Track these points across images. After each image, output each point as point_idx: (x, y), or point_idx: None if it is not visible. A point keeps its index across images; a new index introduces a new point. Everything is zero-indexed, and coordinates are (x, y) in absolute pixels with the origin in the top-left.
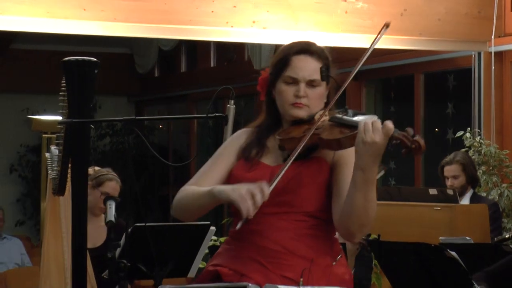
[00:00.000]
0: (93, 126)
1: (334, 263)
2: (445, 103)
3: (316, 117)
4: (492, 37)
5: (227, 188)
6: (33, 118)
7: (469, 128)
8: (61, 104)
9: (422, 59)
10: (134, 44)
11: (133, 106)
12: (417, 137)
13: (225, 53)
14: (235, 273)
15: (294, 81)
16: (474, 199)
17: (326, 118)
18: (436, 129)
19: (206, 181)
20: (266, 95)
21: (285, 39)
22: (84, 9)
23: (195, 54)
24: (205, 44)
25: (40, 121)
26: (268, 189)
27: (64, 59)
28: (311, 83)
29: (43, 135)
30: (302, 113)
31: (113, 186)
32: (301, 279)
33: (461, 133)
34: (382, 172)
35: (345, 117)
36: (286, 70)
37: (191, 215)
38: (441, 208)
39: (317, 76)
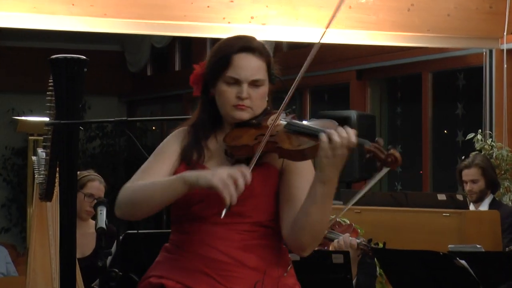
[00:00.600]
0: (82, 128)
1: (285, 274)
2: (454, 104)
3: (268, 122)
4: (504, 33)
5: (205, 173)
6: (18, 119)
7: (480, 130)
8: (48, 104)
9: (430, 57)
10: (125, 41)
11: (125, 106)
12: (391, 150)
13: None
14: (183, 287)
15: (236, 82)
16: (494, 205)
17: (281, 123)
18: (445, 131)
19: (153, 178)
20: (202, 92)
21: (285, 35)
22: (73, 4)
23: (190, 52)
24: (201, 41)
25: (26, 123)
26: (249, 173)
27: (51, 56)
28: (254, 83)
29: (29, 137)
30: (245, 115)
31: (96, 186)
32: None
33: (472, 135)
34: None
35: (304, 124)
36: (227, 70)
37: (149, 210)
38: (450, 214)
39: (260, 75)
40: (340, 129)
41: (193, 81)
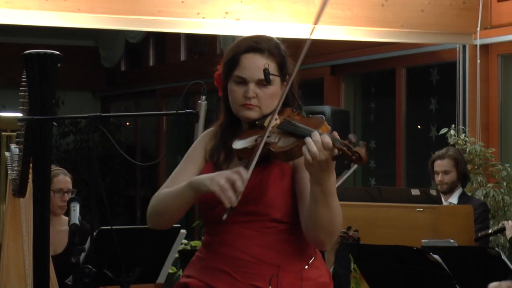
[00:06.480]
0: (55, 124)
1: (306, 266)
2: (428, 99)
3: (266, 122)
4: (478, 29)
5: (204, 179)
6: None
7: (453, 125)
8: (21, 100)
9: (404, 53)
10: (99, 36)
11: (99, 102)
12: (357, 148)
13: (196, 46)
14: (204, 285)
15: (243, 81)
16: (463, 198)
17: (276, 122)
18: (419, 126)
19: (178, 184)
20: (223, 91)
21: (259, 31)
22: None
23: (164, 47)
24: (175, 37)
25: None
26: (246, 173)
27: (24, 52)
28: (261, 83)
29: (2, 133)
30: (253, 114)
31: (62, 179)
32: (270, 287)
33: (445, 130)
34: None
35: (293, 123)
36: (235, 70)
37: (169, 219)
38: (424, 209)
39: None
40: (315, 134)
41: (217, 81)
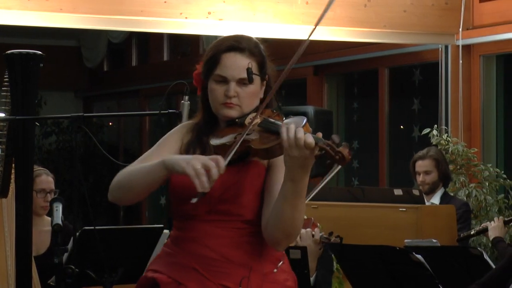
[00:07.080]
0: (38, 124)
1: (275, 270)
2: (410, 99)
3: (247, 120)
4: (460, 29)
5: (180, 160)
6: None
7: (436, 125)
8: (3, 100)
9: (386, 53)
10: (81, 36)
11: (81, 102)
12: (341, 148)
13: (179, 46)
14: (174, 281)
15: (224, 80)
16: (445, 198)
17: (257, 121)
18: (402, 126)
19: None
20: (202, 91)
21: (242, 31)
22: None
23: (147, 47)
24: (158, 37)
25: None
26: (223, 163)
27: (6, 52)
28: (242, 82)
29: None
30: (233, 113)
31: (44, 180)
32: None
33: (428, 131)
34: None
35: (274, 121)
36: (216, 69)
37: (135, 195)
38: (406, 209)
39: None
40: (291, 126)
41: (196, 81)
